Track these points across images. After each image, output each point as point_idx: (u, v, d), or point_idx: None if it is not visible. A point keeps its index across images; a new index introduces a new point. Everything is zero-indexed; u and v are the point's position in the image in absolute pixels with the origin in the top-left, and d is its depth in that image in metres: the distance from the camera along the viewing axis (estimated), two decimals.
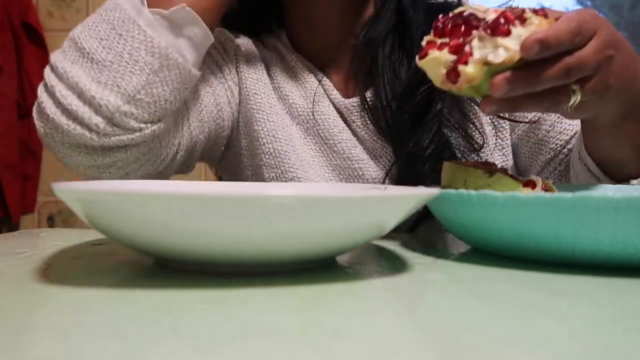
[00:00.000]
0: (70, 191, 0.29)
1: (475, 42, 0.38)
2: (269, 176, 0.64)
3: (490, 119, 0.66)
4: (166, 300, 0.25)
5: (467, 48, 0.38)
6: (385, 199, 0.30)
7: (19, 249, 0.40)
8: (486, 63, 0.36)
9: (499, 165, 0.59)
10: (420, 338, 0.21)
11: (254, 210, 0.26)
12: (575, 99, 0.38)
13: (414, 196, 0.31)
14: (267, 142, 0.66)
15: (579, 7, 2.39)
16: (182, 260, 0.31)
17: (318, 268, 0.33)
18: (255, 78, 0.69)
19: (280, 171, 0.64)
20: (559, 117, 0.65)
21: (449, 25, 0.40)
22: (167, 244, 0.29)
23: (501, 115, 0.66)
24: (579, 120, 0.62)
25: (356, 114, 0.68)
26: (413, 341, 0.20)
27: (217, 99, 0.65)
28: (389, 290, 0.29)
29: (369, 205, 0.29)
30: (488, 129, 0.67)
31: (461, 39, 0.38)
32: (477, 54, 0.37)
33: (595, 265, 0.34)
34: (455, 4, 0.69)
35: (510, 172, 0.43)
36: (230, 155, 0.72)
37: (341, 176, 0.66)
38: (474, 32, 0.38)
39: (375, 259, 0.38)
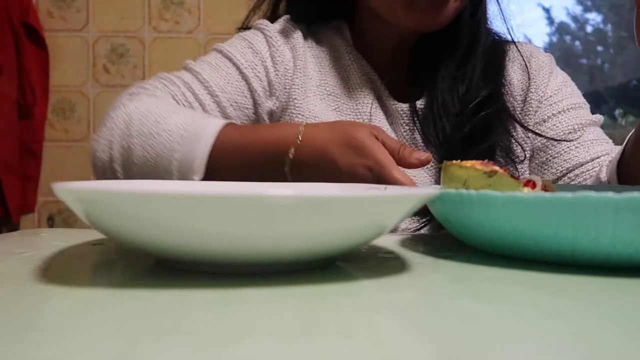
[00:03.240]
0: (70, 191, 0.29)
1: None
2: None
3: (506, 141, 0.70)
4: (166, 300, 0.25)
5: None
6: (385, 199, 0.30)
7: (19, 249, 0.40)
8: None
9: None
10: (420, 338, 0.21)
11: (254, 210, 0.26)
12: None
13: (414, 196, 0.31)
14: None
15: (579, 7, 2.39)
16: (183, 260, 0.31)
17: (318, 268, 0.33)
18: (306, 77, 0.70)
19: None
20: (567, 147, 0.70)
21: None
22: (167, 244, 0.29)
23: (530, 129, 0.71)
24: (585, 152, 0.69)
25: (405, 118, 0.70)
26: (413, 341, 0.20)
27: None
28: (389, 290, 0.29)
29: (369, 205, 0.29)
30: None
31: None
32: None
33: (596, 265, 0.34)
34: (506, 41, 0.75)
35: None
36: None
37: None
38: None
39: (376, 259, 0.38)
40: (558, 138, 0.70)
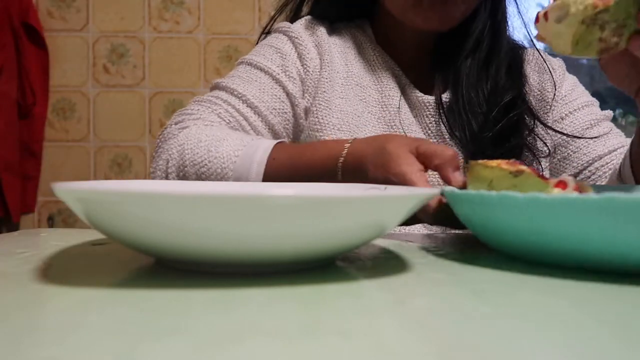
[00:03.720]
0: (70, 191, 0.29)
1: None
2: None
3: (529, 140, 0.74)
4: (166, 300, 0.25)
5: None
6: (385, 199, 0.30)
7: (19, 249, 0.40)
8: None
9: None
10: (421, 338, 0.21)
11: (254, 210, 0.26)
12: None
13: (414, 196, 0.31)
14: (333, 132, 0.69)
15: None
16: (183, 260, 0.31)
17: (318, 268, 0.33)
18: (332, 70, 0.72)
19: None
20: (586, 142, 0.75)
21: None
22: (167, 244, 0.29)
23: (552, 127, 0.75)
24: (603, 145, 0.74)
25: (430, 110, 0.72)
26: (413, 341, 0.20)
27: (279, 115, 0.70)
28: (389, 290, 0.29)
29: (369, 205, 0.29)
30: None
31: None
32: None
33: (627, 272, 0.32)
34: (522, 46, 0.79)
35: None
36: None
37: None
38: None
39: (376, 259, 0.38)
40: (577, 134, 0.74)
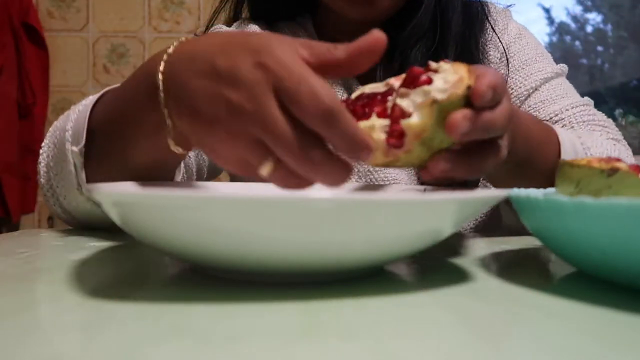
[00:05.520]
0: (109, 194, 0.27)
1: (400, 101, 0.34)
2: None
3: None
4: (166, 301, 0.25)
5: (395, 109, 0.34)
6: (450, 202, 0.28)
7: (19, 249, 0.40)
8: (433, 102, 0.32)
9: None
10: (422, 341, 0.21)
11: (322, 213, 0.24)
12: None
13: (483, 199, 0.29)
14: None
15: (579, 7, 2.38)
16: (224, 268, 0.29)
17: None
18: None
19: None
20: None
21: (359, 105, 0.36)
22: (217, 250, 0.27)
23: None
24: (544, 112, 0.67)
25: None
26: (414, 341, 0.20)
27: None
28: (390, 290, 0.29)
29: (432, 209, 0.27)
30: None
31: (380, 107, 0.35)
32: (412, 104, 0.33)
33: None
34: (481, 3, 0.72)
35: None
36: None
37: (360, 173, 0.65)
38: (391, 96, 0.35)
39: None
40: (519, 103, 0.68)
